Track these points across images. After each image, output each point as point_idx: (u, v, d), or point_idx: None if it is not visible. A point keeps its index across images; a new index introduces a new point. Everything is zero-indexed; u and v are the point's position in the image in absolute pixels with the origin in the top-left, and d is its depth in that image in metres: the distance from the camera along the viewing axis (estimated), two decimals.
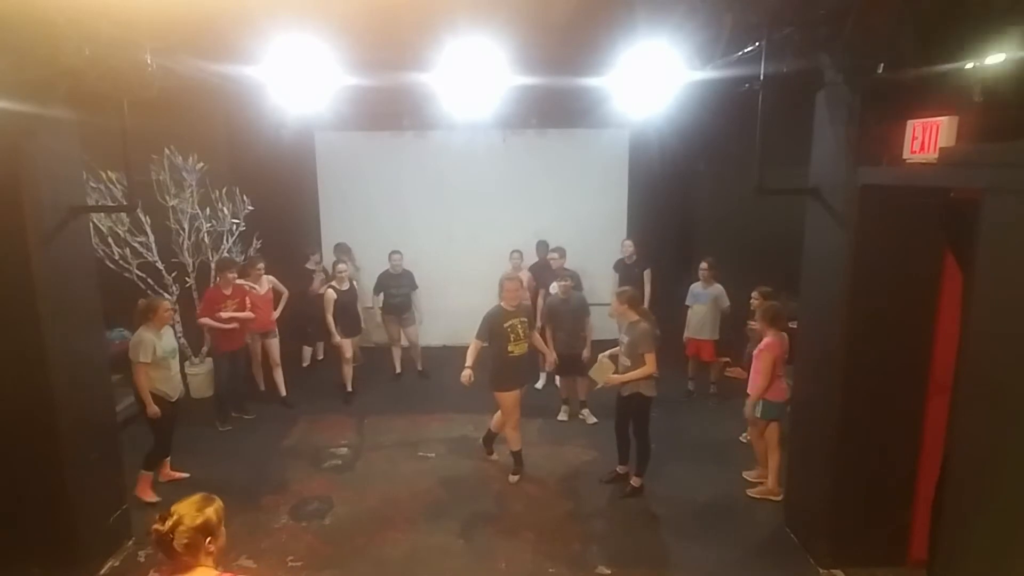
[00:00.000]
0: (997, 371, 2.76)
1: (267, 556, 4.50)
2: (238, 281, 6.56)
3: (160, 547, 2.16)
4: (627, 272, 7.73)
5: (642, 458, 5.26)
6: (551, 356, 6.17)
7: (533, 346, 5.60)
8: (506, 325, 5.26)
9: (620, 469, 5.47)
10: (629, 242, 7.90)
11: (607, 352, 5.29)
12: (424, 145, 8.83)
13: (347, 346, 7.19)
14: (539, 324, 6.75)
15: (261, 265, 6.92)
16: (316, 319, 7.43)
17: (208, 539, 2.19)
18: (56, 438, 4.02)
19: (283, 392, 7.21)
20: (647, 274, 7.66)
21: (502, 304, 5.36)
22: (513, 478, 5.54)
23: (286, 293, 7.18)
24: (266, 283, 6.96)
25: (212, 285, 6.52)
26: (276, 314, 7.07)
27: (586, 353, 6.40)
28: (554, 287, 7.14)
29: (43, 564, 4.12)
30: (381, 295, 7.84)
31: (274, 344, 7.10)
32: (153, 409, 4.98)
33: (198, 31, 3.64)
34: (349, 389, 7.34)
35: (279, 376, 7.18)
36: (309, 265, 7.97)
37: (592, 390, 6.25)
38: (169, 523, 2.14)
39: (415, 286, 7.95)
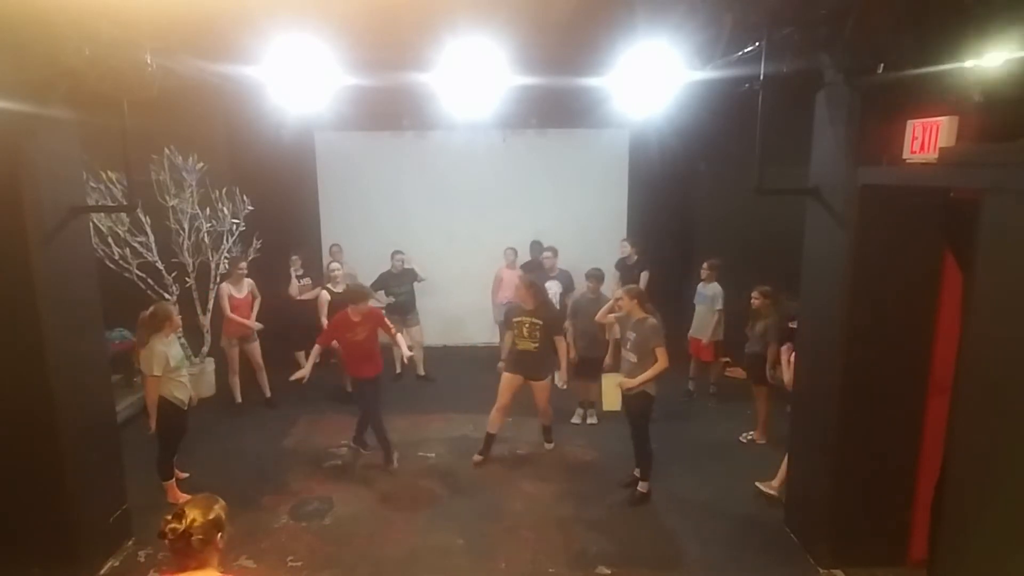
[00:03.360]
0: (997, 371, 2.76)
1: (267, 556, 4.50)
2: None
3: (177, 545, 2.18)
4: (628, 272, 7.79)
5: (644, 461, 5.22)
6: (569, 357, 6.16)
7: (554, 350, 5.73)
8: (516, 320, 5.70)
9: (637, 472, 5.38)
10: (627, 243, 7.96)
11: (608, 374, 5.31)
12: (424, 145, 8.84)
13: None
14: None
15: (244, 265, 6.87)
16: (300, 324, 7.33)
17: (219, 534, 2.24)
18: (56, 438, 4.02)
19: (267, 393, 7.21)
20: (644, 276, 7.66)
21: (520, 302, 5.76)
22: (477, 458, 5.75)
23: (259, 299, 7.06)
24: (246, 286, 6.93)
25: (340, 311, 6.13)
26: (253, 317, 6.97)
27: (608, 360, 6.36)
28: (547, 287, 7.14)
29: (43, 564, 4.11)
30: (382, 292, 7.74)
31: (255, 348, 7.04)
32: (153, 426, 4.93)
33: (198, 31, 3.65)
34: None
35: (263, 379, 7.18)
36: (294, 268, 7.78)
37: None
38: (186, 521, 2.17)
39: (417, 277, 7.86)
